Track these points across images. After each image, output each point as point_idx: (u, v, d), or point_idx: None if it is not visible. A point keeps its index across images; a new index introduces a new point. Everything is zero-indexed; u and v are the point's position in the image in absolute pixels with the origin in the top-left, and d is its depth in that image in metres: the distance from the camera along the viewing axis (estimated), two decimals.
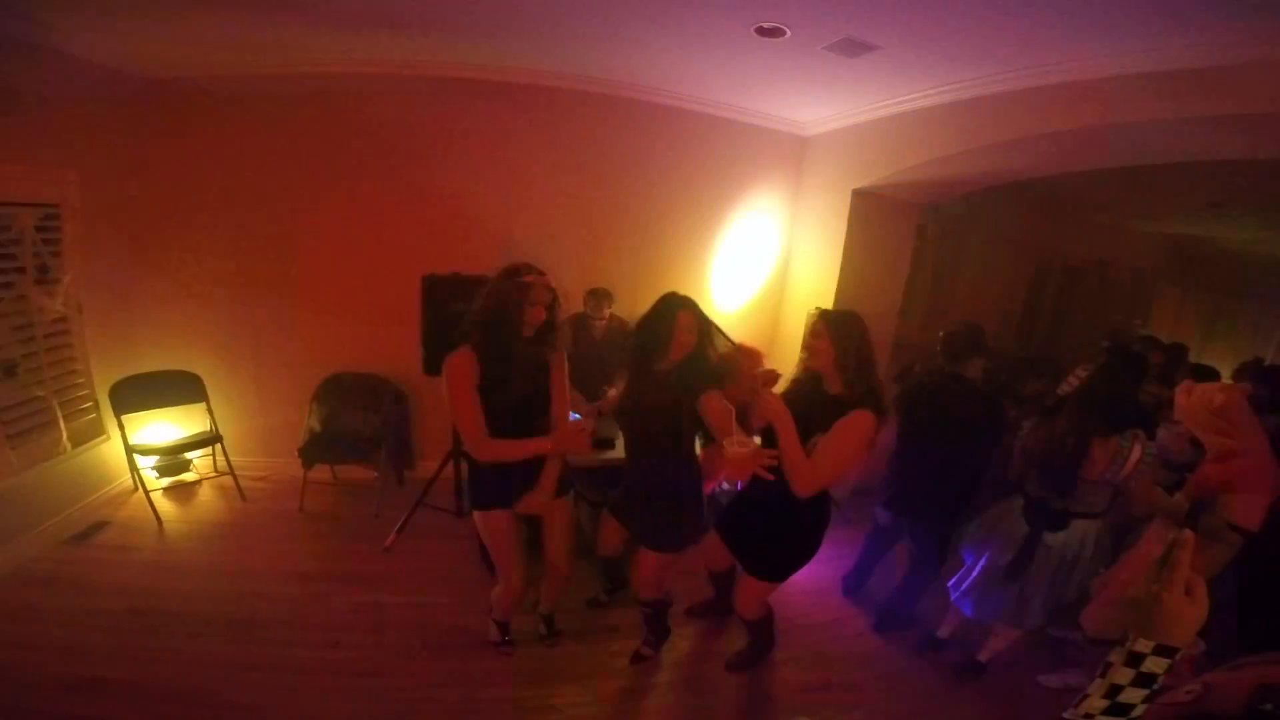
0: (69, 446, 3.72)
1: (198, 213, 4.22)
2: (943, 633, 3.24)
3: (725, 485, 4.37)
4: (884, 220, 4.55)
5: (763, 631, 3.01)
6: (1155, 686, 0.92)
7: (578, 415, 2.25)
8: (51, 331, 3.62)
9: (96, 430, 3.97)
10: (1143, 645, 0.92)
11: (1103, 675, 0.96)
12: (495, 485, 2.52)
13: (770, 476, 2.09)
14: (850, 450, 2.28)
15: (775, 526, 2.58)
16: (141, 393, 4.05)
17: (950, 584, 3.05)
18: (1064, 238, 6.48)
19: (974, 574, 2.91)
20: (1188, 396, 2.75)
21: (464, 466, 3.98)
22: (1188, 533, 0.93)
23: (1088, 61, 2.80)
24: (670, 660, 3.11)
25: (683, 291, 2.57)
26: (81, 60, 3.52)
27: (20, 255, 3.36)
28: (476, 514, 2.57)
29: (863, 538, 3.68)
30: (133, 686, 2.63)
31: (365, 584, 3.48)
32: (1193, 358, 5.02)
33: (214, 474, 4.51)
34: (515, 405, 2.39)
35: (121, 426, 3.92)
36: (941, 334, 3.24)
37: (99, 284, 3.89)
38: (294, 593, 3.35)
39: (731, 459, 2.09)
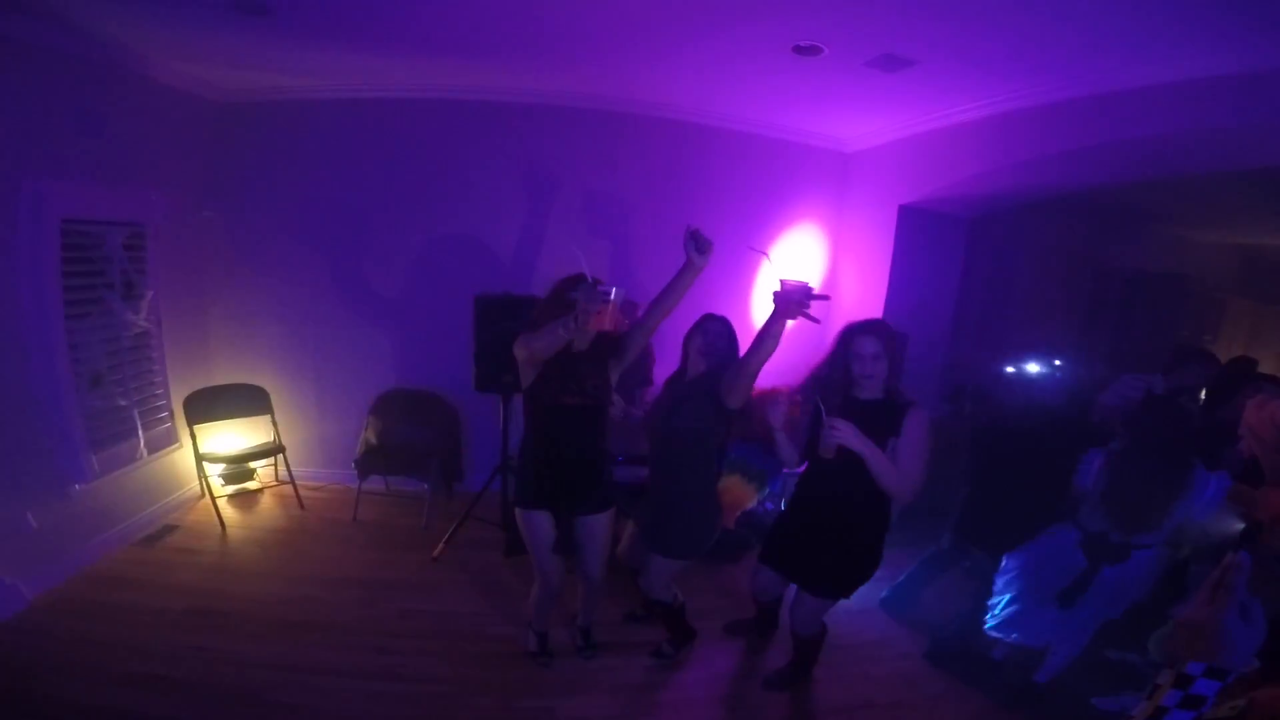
0: (145, 453, 3.96)
1: (268, 232, 4.49)
2: (997, 655, 3.11)
3: (770, 505, 4.34)
4: (933, 236, 4.47)
5: (813, 650, 2.96)
6: (1203, 709, 0.89)
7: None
8: (134, 345, 3.88)
9: (170, 439, 4.21)
10: (1193, 667, 0.89)
11: (1149, 697, 0.93)
12: (539, 487, 2.59)
13: (818, 320, 2.24)
14: (928, 447, 2.36)
15: (838, 544, 2.57)
16: (212, 404, 4.30)
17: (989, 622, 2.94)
18: (1124, 249, 6.22)
19: (1016, 603, 2.80)
20: (1259, 411, 2.60)
21: (510, 479, 4.09)
22: (1242, 554, 0.91)
23: (1141, 69, 2.73)
24: (707, 677, 3.08)
25: (724, 311, 2.73)
26: (164, 85, 3.82)
27: (109, 272, 3.62)
28: (518, 511, 2.65)
29: (906, 556, 3.57)
30: (189, 685, 2.75)
31: (413, 592, 3.58)
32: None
33: (275, 483, 4.72)
34: (569, 411, 2.47)
35: (193, 435, 4.17)
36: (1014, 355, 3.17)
37: (177, 300, 4.16)
38: (345, 598, 3.47)
39: (784, 291, 2.19)
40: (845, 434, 2.23)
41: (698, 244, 2.29)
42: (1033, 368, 3.21)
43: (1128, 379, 3.44)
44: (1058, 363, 3.14)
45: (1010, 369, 3.27)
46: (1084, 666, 2.87)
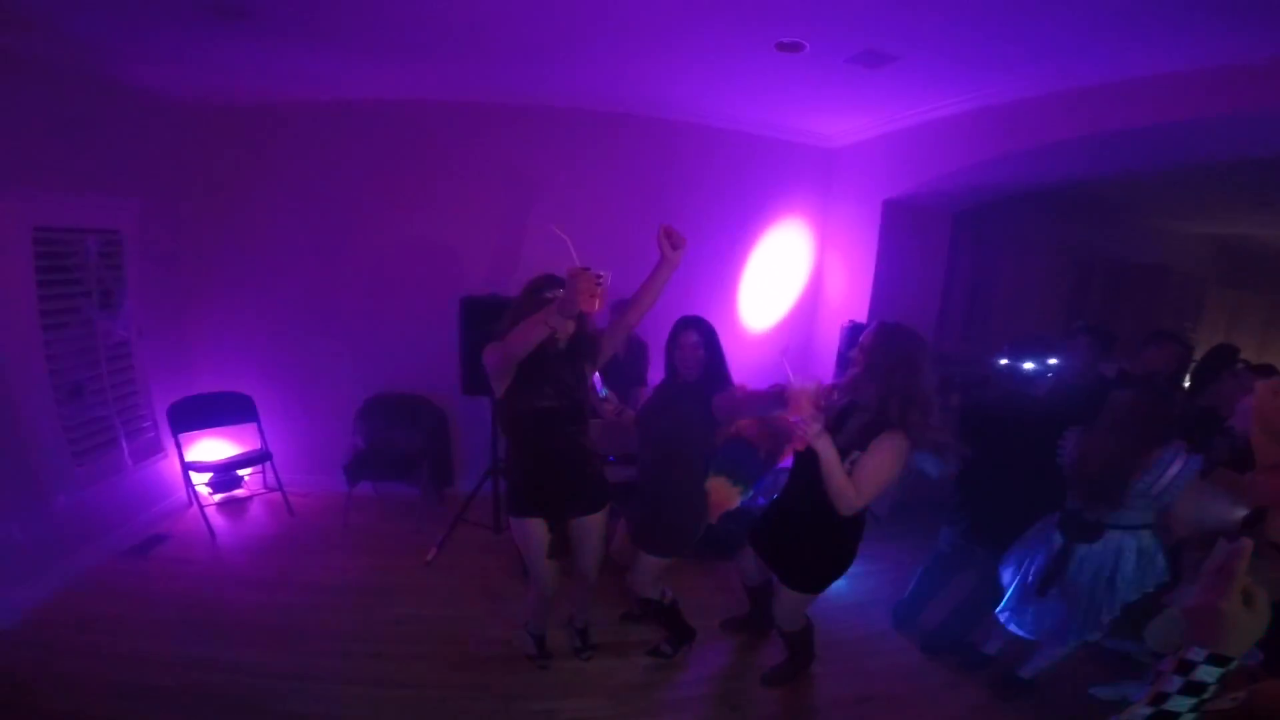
0: (130, 463, 3.92)
1: (248, 238, 4.43)
2: (990, 649, 3.14)
3: (762, 500, 4.35)
4: (917, 230, 4.51)
5: (802, 645, 2.97)
6: (1204, 695, 0.90)
7: (603, 389, 2.31)
8: (115, 354, 3.82)
9: (155, 448, 4.17)
10: (1195, 653, 0.90)
11: (1152, 683, 0.94)
12: (531, 494, 2.58)
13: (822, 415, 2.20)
14: (886, 472, 2.28)
15: (810, 538, 2.58)
16: (197, 412, 4.25)
17: (999, 608, 2.96)
18: (1107, 241, 6.31)
19: (1012, 591, 2.83)
20: (1274, 399, 2.60)
21: (502, 482, 4.08)
22: (1245, 541, 0.91)
23: (1118, 62, 2.76)
24: (705, 674, 3.09)
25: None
26: (138, 89, 3.75)
27: (86, 280, 3.56)
28: (512, 520, 2.64)
29: (907, 557, 3.59)
30: (184, 694, 2.73)
31: (407, 597, 3.56)
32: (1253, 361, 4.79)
33: (264, 490, 4.68)
34: (546, 414, 2.45)
35: (179, 444, 4.12)
36: (1006, 349, 3.18)
37: (157, 308, 4.11)
38: (339, 605, 3.44)
39: (794, 395, 2.19)
40: (810, 430, 2.21)
41: (671, 240, 2.28)
42: (1023, 363, 3.22)
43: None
44: (1051, 361, 3.15)
45: (1000, 362, 3.28)
46: (1081, 656, 2.90)
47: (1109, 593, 2.58)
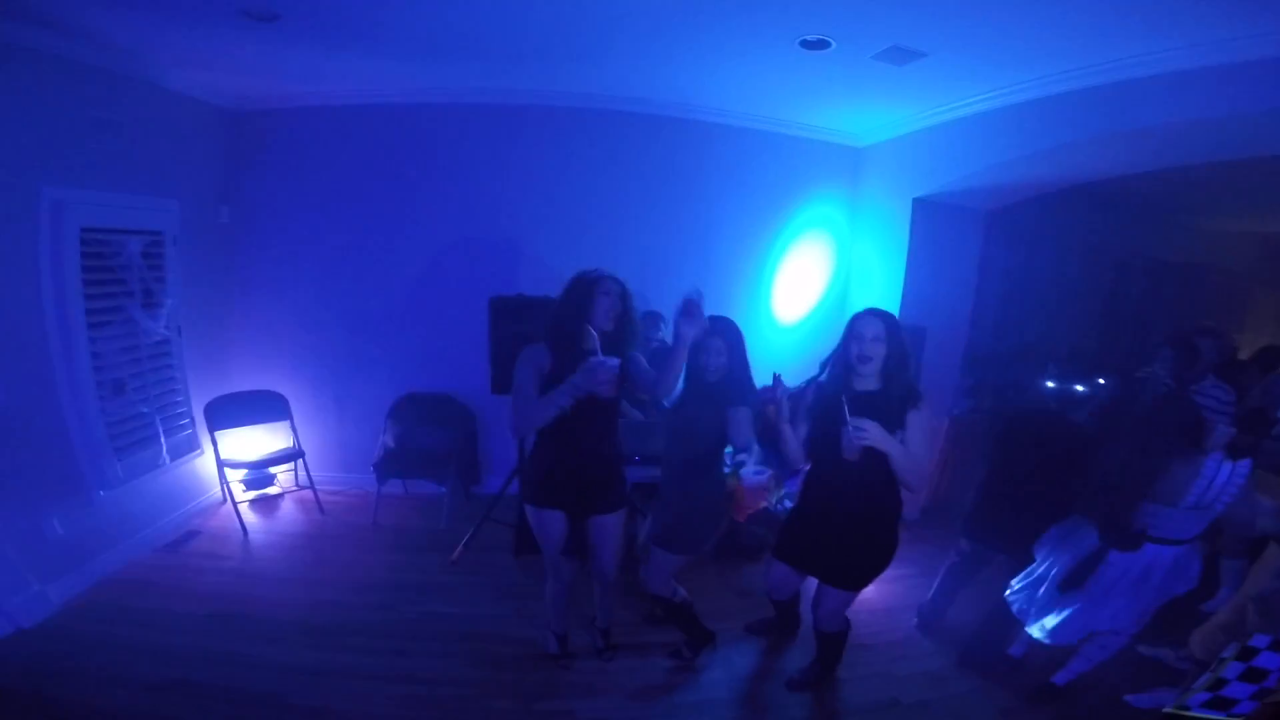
0: (168, 459, 4.01)
1: (283, 239, 4.54)
2: (1016, 651, 3.06)
3: (789, 504, 4.33)
4: (949, 228, 4.43)
5: (837, 646, 2.92)
6: (1264, 683, 0.88)
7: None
8: (155, 353, 3.92)
9: (192, 445, 4.26)
10: (1259, 640, 0.89)
11: (1213, 670, 0.93)
12: (553, 485, 2.59)
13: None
14: (930, 443, 2.48)
15: (862, 535, 2.54)
16: (233, 410, 4.34)
17: (1010, 594, 2.89)
18: (1144, 239, 6.14)
19: (1041, 586, 2.76)
20: None
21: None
22: None
23: (1155, 55, 2.69)
24: (729, 677, 3.06)
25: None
26: (178, 93, 3.88)
27: (129, 280, 3.66)
28: (529, 509, 2.64)
29: (935, 562, 3.52)
30: (212, 689, 2.77)
31: (433, 595, 3.59)
32: None
33: (295, 488, 4.76)
34: (585, 410, 2.46)
35: (214, 442, 4.22)
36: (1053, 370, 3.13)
37: (196, 308, 4.22)
38: (366, 602, 3.48)
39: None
40: (872, 435, 2.22)
41: (688, 312, 2.18)
42: (1067, 385, 3.16)
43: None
44: (1100, 381, 3.08)
45: (1047, 382, 3.22)
46: (1115, 663, 2.81)
47: (1131, 596, 2.52)
